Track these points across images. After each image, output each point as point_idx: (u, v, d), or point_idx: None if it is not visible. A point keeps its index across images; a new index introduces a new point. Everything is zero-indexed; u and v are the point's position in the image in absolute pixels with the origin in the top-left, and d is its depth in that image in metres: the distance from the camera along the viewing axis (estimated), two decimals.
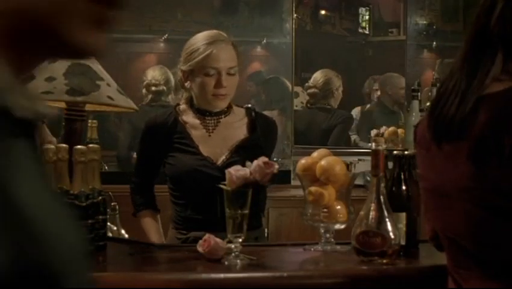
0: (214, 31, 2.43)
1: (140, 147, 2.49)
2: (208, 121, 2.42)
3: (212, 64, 2.33)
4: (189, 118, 2.43)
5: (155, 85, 4.39)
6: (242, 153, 2.33)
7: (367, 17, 5.59)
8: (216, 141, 2.39)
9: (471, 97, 1.35)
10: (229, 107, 2.44)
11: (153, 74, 4.45)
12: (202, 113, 2.42)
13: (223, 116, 2.42)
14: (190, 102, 2.45)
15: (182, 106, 2.46)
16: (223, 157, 2.36)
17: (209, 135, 2.40)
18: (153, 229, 2.44)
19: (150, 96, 4.37)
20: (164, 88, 4.37)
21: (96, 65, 2.19)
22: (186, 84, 2.41)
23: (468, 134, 1.33)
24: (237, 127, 2.43)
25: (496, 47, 1.37)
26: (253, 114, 2.47)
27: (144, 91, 4.39)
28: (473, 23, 1.44)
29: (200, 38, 2.38)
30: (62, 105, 2.18)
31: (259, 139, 2.41)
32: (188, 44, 2.40)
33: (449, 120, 1.37)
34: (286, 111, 4.96)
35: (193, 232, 2.28)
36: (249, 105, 2.62)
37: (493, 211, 1.31)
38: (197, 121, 2.42)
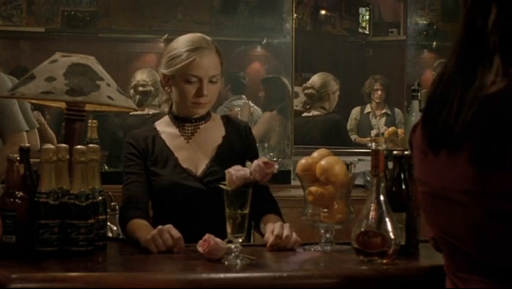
0: (198, 35, 2.37)
1: (125, 165, 2.36)
2: (187, 128, 2.40)
3: (193, 72, 2.30)
4: (168, 128, 2.41)
5: (143, 85, 4.43)
6: (220, 160, 2.31)
7: (367, 17, 5.60)
8: (194, 148, 2.37)
9: (472, 105, 1.31)
10: (208, 114, 2.42)
11: (141, 76, 4.49)
12: (181, 120, 2.40)
13: (202, 122, 2.40)
14: (170, 108, 2.43)
15: (160, 121, 2.44)
16: (203, 167, 2.34)
17: (188, 142, 2.38)
18: (142, 226, 2.13)
19: (137, 97, 4.39)
20: (152, 88, 4.40)
21: (96, 65, 2.18)
22: (166, 88, 2.39)
23: (469, 138, 1.31)
24: (213, 134, 2.40)
25: (492, 53, 1.34)
26: (225, 119, 2.45)
27: (132, 92, 4.40)
28: (463, 28, 1.39)
29: (182, 43, 2.33)
30: (63, 105, 2.18)
31: (233, 143, 2.39)
32: (171, 48, 2.36)
33: (447, 129, 1.34)
34: (286, 111, 4.95)
35: None
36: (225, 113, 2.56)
37: (494, 215, 1.30)
38: (176, 130, 2.40)
